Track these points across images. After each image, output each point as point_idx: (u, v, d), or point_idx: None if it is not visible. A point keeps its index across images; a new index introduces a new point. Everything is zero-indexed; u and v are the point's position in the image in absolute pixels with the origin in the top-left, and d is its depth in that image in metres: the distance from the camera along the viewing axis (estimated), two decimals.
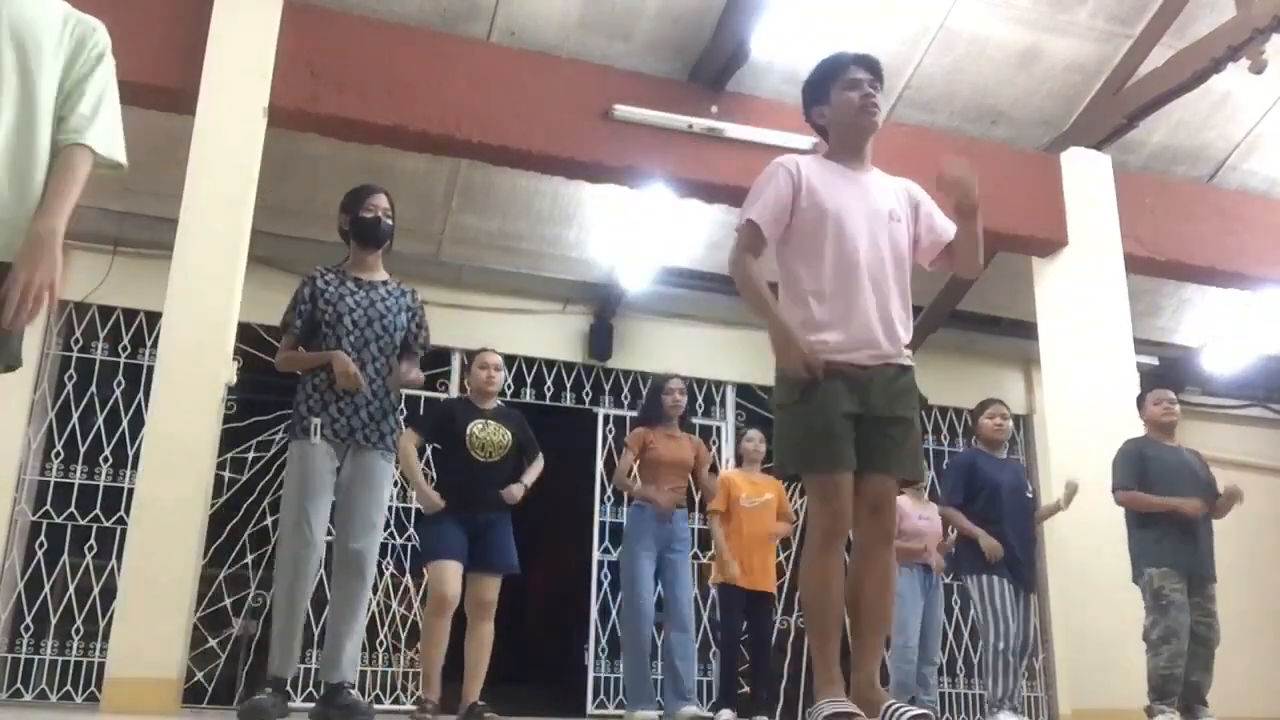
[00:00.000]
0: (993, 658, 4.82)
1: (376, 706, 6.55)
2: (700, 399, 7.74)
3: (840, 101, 2.77)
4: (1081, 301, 6.23)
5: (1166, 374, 7.82)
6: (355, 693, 3.58)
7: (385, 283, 3.81)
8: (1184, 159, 7.16)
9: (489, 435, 4.28)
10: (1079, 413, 5.99)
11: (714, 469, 5.90)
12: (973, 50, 6.29)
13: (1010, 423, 5.17)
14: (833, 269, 2.67)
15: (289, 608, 3.53)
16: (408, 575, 6.67)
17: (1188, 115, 6.81)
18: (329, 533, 3.64)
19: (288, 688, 3.59)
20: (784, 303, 2.75)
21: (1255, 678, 7.70)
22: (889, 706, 2.47)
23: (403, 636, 6.71)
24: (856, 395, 2.61)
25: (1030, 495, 4.98)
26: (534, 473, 4.41)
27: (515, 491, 4.28)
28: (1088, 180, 6.41)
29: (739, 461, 5.81)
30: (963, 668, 7.76)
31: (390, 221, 3.83)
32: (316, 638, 5.63)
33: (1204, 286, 7.54)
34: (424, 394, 6.99)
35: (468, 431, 4.26)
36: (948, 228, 2.84)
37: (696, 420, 7.45)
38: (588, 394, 7.50)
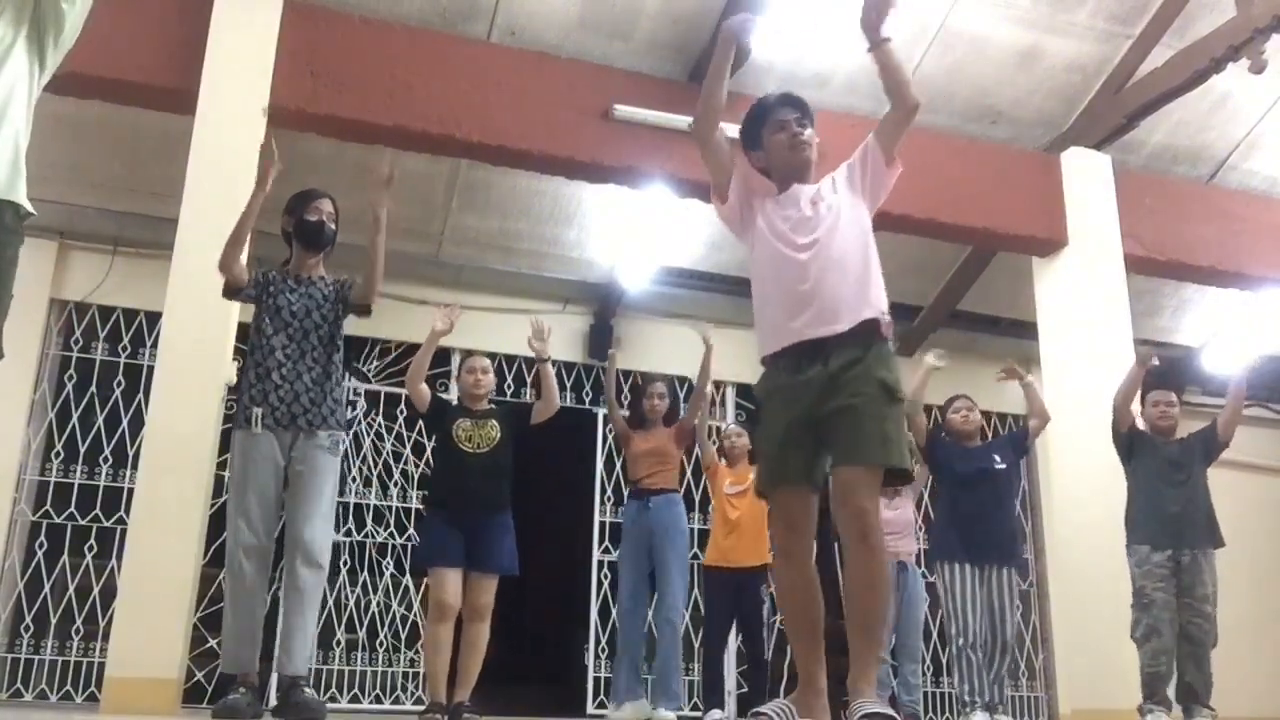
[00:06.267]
0: (955, 654, 4.82)
1: (376, 706, 6.56)
2: None
3: (771, 145, 2.88)
4: (1081, 301, 6.23)
5: (1166, 374, 7.82)
6: (310, 690, 3.56)
7: (323, 278, 3.84)
8: (1184, 159, 7.17)
9: (475, 428, 4.23)
10: (1079, 413, 5.99)
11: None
12: (973, 50, 6.30)
13: (977, 414, 5.28)
14: (775, 285, 2.71)
15: (235, 605, 3.52)
16: (408, 575, 6.67)
17: (1188, 115, 6.81)
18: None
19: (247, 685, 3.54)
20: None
21: (1255, 678, 7.70)
22: (852, 706, 2.46)
23: (403, 636, 6.71)
24: (799, 403, 2.58)
25: (1001, 466, 5.02)
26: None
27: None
28: (1088, 180, 6.40)
29: (725, 459, 5.73)
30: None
31: (334, 226, 3.85)
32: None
33: (1204, 286, 7.54)
34: None
35: (455, 425, 4.22)
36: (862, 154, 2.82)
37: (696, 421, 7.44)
38: (588, 394, 7.50)
